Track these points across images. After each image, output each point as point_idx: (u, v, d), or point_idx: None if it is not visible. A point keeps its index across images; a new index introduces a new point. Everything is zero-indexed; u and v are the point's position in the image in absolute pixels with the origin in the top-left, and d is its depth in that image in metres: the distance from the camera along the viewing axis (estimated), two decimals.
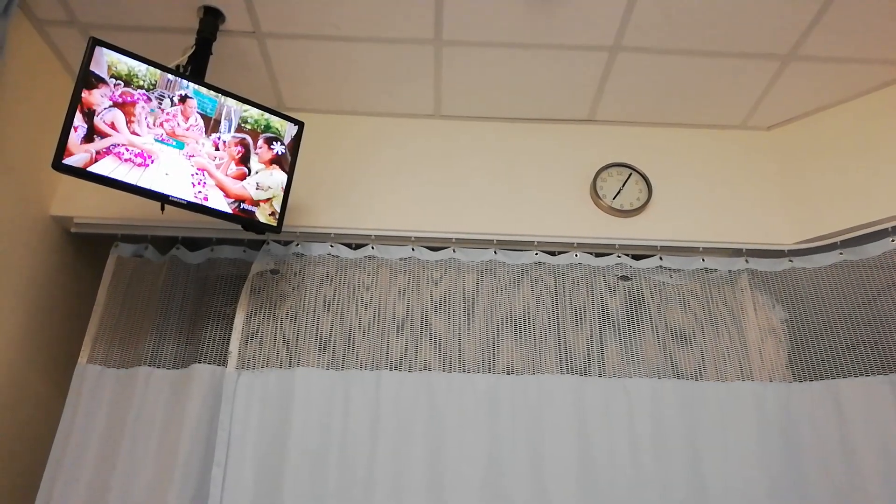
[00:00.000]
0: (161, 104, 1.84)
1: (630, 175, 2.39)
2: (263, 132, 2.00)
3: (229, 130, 1.96)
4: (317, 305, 2.23)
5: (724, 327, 2.22)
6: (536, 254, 2.32)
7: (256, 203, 1.98)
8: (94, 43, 1.76)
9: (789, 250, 2.30)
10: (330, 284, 2.27)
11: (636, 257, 2.34)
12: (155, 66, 1.85)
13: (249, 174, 1.98)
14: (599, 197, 2.34)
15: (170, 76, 1.88)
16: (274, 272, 2.30)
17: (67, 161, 1.69)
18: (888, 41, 2.11)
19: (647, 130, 2.51)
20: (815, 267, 2.24)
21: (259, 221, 1.99)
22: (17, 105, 2.08)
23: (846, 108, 2.34)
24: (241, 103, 1.99)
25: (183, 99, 1.87)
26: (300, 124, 2.11)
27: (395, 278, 2.29)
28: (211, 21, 2.09)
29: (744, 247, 2.30)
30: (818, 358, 2.11)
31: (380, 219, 2.32)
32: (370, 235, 2.32)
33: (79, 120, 1.71)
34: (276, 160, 1.99)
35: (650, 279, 2.30)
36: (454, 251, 2.32)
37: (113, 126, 1.76)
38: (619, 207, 2.33)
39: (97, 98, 1.74)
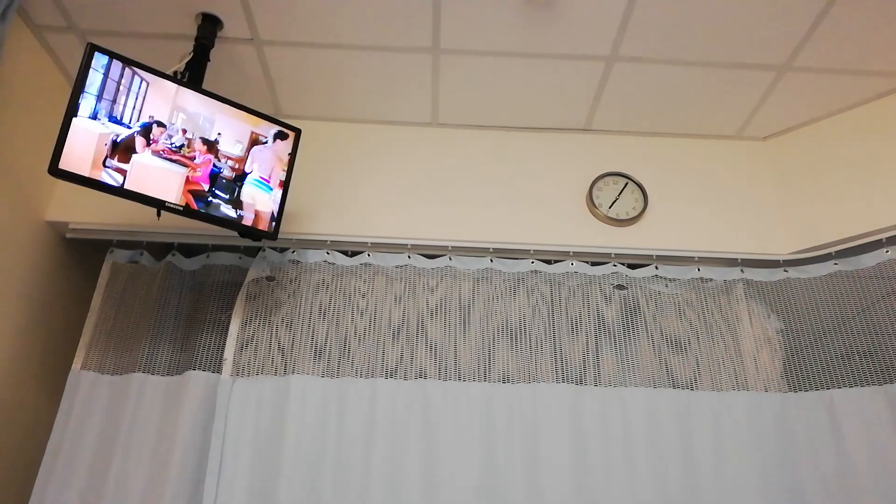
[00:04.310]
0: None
1: (626, 184, 2.40)
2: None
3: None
4: (312, 313, 2.23)
5: (720, 337, 2.22)
6: (532, 262, 2.33)
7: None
8: (92, 49, 1.76)
9: (784, 260, 2.31)
10: (326, 292, 2.27)
11: (632, 266, 2.34)
12: (153, 73, 1.85)
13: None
14: (595, 206, 2.35)
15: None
16: (270, 279, 2.29)
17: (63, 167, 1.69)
18: (882, 53, 2.13)
19: (644, 140, 2.52)
20: (810, 277, 2.25)
21: (255, 228, 1.99)
22: (13, 110, 2.08)
23: (841, 118, 2.35)
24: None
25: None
26: (297, 131, 2.11)
27: (391, 286, 2.29)
28: (209, 28, 2.09)
29: (739, 256, 2.31)
30: (813, 368, 2.11)
31: (376, 226, 2.32)
32: (366, 243, 2.32)
33: None
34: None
35: (646, 288, 2.30)
36: (450, 259, 2.33)
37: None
38: (615, 216, 2.33)
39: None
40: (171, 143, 1.86)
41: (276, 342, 2.19)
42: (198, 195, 1.90)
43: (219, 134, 1.95)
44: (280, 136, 2.07)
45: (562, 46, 2.16)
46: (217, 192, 1.93)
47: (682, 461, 2.01)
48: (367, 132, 2.50)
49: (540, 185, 2.42)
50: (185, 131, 1.89)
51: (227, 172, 1.96)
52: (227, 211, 1.95)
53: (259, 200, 2.01)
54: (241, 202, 1.98)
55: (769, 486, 1.98)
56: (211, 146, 1.93)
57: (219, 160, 1.95)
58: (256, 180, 2.01)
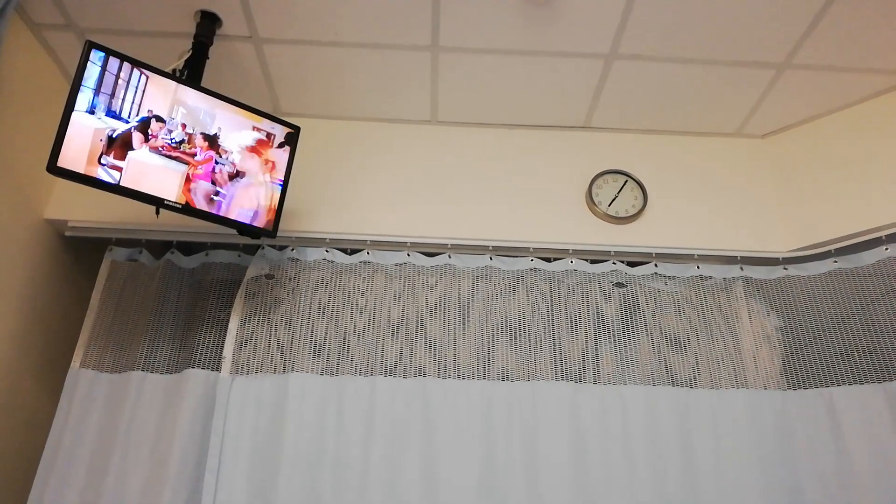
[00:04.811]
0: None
1: (625, 182, 2.40)
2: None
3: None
4: (311, 311, 2.23)
5: (719, 335, 2.22)
6: (532, 260, 2.32)
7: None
8: (91, 46, 1.76)
9: (784, 258, 2.31)
10: (325, 289, 2.27)
11: (631, 264, 2.34)
12: (151, 71, 1.85)
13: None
14: (595, 204, 2.34)
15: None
16: (269, 277, 2.29)
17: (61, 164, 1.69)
18: (882, 50, 2.12)
19: (643, 137, 2.52)
20: (810, 275, 2.25)
21: (255, 226, 1.99)
22: (12, 108, 2.07)
23: (841, 116, 2.35)
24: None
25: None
26: (296, 129, 2.11)
27: (391, 283, 2.29)
28: (208, 25, 2.09)
29: (738, 254, 2.31)
30: (812, 366, 2.11)
31: (375, 224, 2.32)
32: (366, 241, 2.31)
33: None
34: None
35: (645, 286, 2.30)
36: (450, 257, 2.32)
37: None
38: (614, 214, 2.33)
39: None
40: (171, 139, 1.86)
41: (275, 340, 2.18)
42: (198, 192, 1.90)
43: (219, 129, 1.95)
44: (286, 135, 2.07)
45: (561, 44, 2.16)
46: (219, 189, 1.93)
47: (682, 459, 2.01)
48: (366, 130, 2.49)
49: (539, 182, 2.41)
50: (184, 126, 1.89)
51: (228, 169, 1.95)
52: (230, 208, 1.95)
53: (260, 198, 2.01)
54: (241, 200, 1.97)
55: (769, 484, 1.98)
56: (212, 142, 1.93)
57: (220, 156, 1.94)
58: (260, 178, 2.01)
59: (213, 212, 1.92)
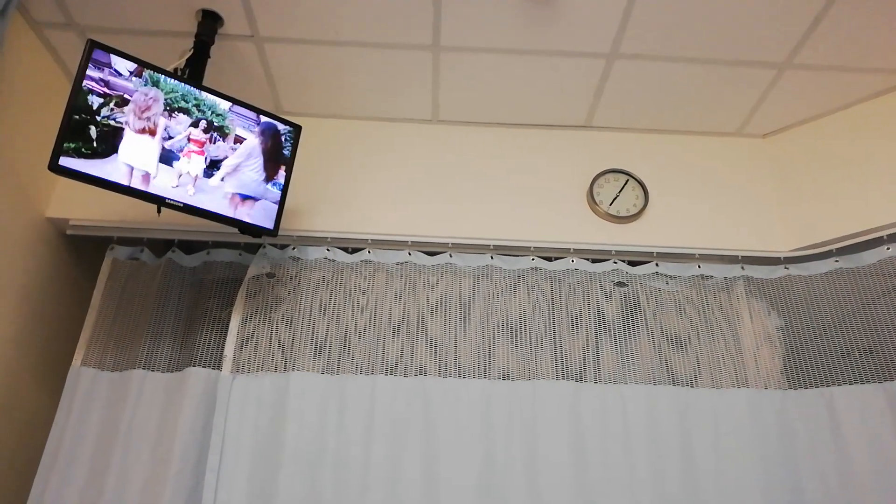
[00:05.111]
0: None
1: (627, 181, 2.40)
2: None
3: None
4: (312, 309, 2.23)
5: (720, 334, 2.22)
6: (533, 259, 2.33)
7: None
8: (92, 45, 1.76)
9: (785, 257, 2.31)
10: (326, 288, 2.27)
11: (632, 263, 2.34)
12: (152, 69, 1.85)
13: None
14: (596, 203, 2.35)
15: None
16: (270, 276, 2.29)
17: (63, 163, 1.69)
18: (882, 50, 2.12)
19: (644, 137, 2.52)
20: (811, 274, 2.25)
21: (256, 225, 1.99)
22: (13, 107, 2.08)
23: (842, 116, 2.35)
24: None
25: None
26: (298, 128, 2.11)
27: (392, 282, 2.29)
28: (209, 25, 2.09)
29: (740, 254, 2.31)
30: (813, 365, 2.11)
31: (376, 223, 2.32)
32: (367, 240, 2.31)
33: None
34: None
35: (646, 285, 2.30)
36: (451, 256, 2.33)
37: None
38: (615, 213, 2.33)
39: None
40: (172, 138, 1.86)
41: (276, 339, 2.19)
42: (199, 191, 1.90)
43: (221, 128, 1.95)
44: (287, 134, 2.07)
45: (562, 44, 2.16)
46: (218, 186, 1.93)
47: (682, 458, 2.01)
48: (367, 129, 2.50)
49: (541, 181, 2.42)
50: (186, 126, 1.89)
51: (228, 167, 1.95)
52: (229, 207, 1.95)
53: (260, 196, 2.01)
54: (242, 198, 1.97)
55: (769, 483, 1.98)
56: (213, 140, 1.93)
57: (220, 155, 1.94)
58: (259, 176, 2.01)
59: (215, 210, 1.92)
